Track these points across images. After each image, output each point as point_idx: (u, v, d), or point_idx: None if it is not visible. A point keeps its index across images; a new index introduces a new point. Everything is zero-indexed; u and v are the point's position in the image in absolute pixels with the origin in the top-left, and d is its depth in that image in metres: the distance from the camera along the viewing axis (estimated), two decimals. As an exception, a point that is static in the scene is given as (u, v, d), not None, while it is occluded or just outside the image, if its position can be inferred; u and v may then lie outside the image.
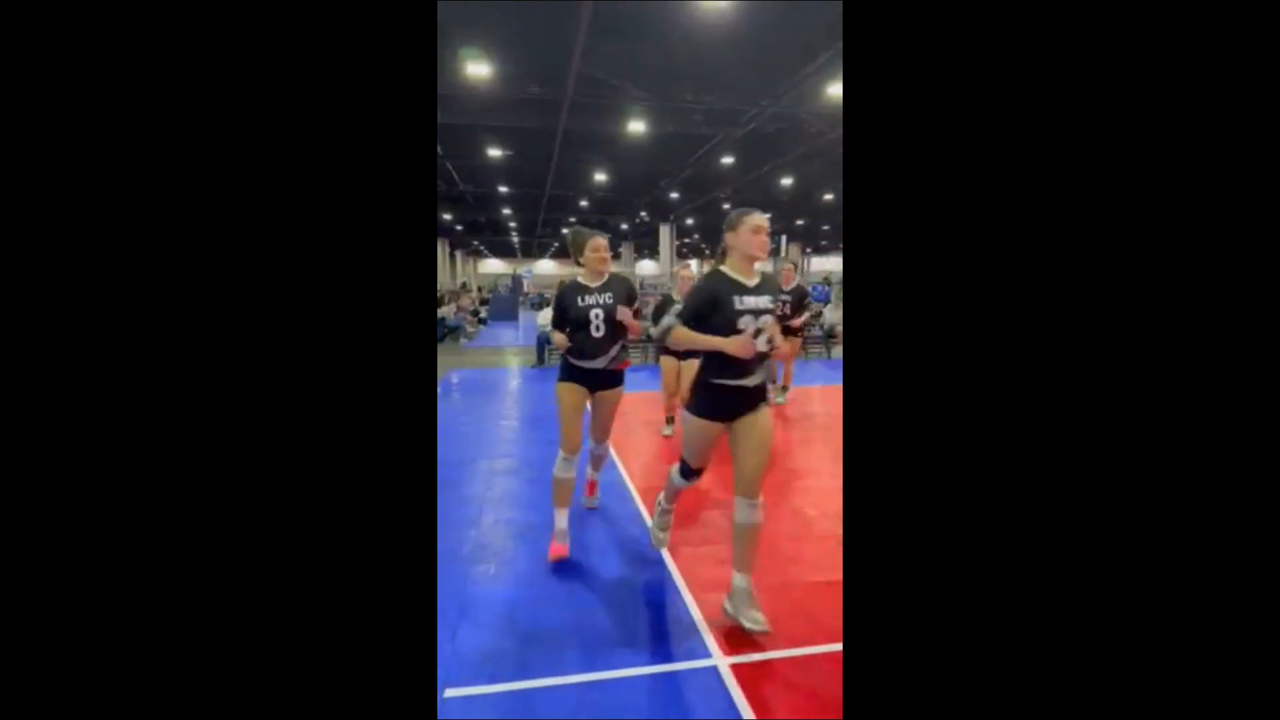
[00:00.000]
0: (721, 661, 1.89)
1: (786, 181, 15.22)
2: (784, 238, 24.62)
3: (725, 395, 2.05)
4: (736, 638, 2.02)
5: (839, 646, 1.96)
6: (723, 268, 2.08)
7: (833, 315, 9.95)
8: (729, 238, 2.06)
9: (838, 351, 9.70)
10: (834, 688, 1.77)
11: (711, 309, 2.00)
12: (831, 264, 31.39)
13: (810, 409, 6.18)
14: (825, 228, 25.62)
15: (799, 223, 23.72)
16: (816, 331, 10.21)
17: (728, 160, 12.38)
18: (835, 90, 8.17)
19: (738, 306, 1.99)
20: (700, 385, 2.09)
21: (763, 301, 2.03)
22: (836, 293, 11.22)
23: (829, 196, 17.72)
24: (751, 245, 2.01)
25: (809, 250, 32.14)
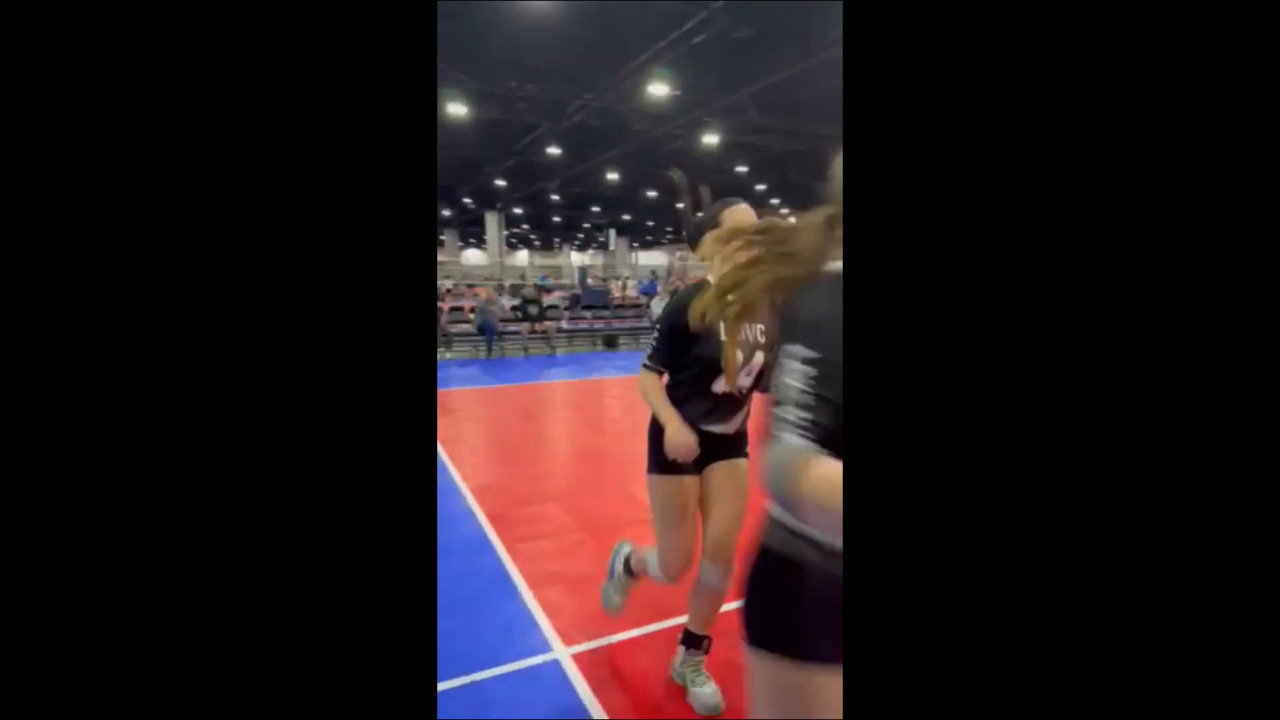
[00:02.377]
0: (563, 654, 1.88)
1: (613, 176, 15.54)
2: (613, 231, 25.19)
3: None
4: (577, 627, 2.01)
5: (676, 622, 2.05)
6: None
7: (660, 307, 10.37)
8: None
9: (665, 341, 10.14)
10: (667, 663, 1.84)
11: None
12: (657, 259, 32.73)
13: (641, 397, 6.39)
14: (650, 223, 26.66)
15: (625, 218, 24.40)
16: (646, 323, 10.59)
17: (554, 151, 12.32)
18: (654, 90, 8.48)
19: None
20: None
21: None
22: (661, 285, 11.73)
23: (652, 194, 18.43)
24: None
25: (635, 245, 33.23)
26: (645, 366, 1.56)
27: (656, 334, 1.55)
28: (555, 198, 18.98)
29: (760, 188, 17.69)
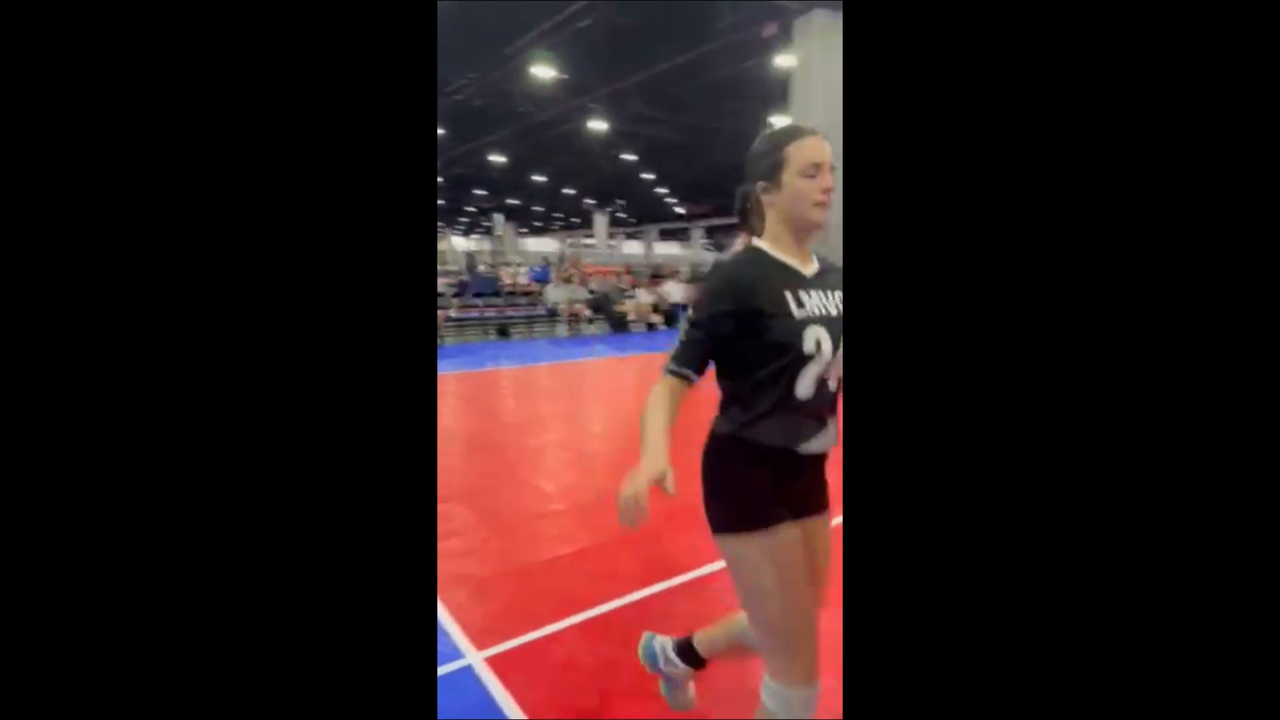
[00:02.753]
0: (475, 658, 1.81)
1: (499, 159, 15.07)
2: (499, 216, 24.45)
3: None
4: (488, 629, 1.95)
5: (589, 614, 2.04)
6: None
7: (555, 294, 10.24)
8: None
9: (561, 329, 10.04)
10: (589, 655, 1.83)
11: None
12: (547, 245, 32.23)
13: (541, 383, 6.29)
14: (538, 209, 26.17)
15: (512, 202, 23.78)
16: (541, 310, 10.42)
17: (438, 131, 11.74)
18: (539, 72, 8.30)
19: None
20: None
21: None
22: (554, 272, 11.58)
23: (541, 178, 18.09)
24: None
25: (524, 231, 32.51)
26: (670, 374, 1.05)
27: (686, 327, 1.07)
28: (439, 179, 18.10)
29: (648, 176, 17.90)
